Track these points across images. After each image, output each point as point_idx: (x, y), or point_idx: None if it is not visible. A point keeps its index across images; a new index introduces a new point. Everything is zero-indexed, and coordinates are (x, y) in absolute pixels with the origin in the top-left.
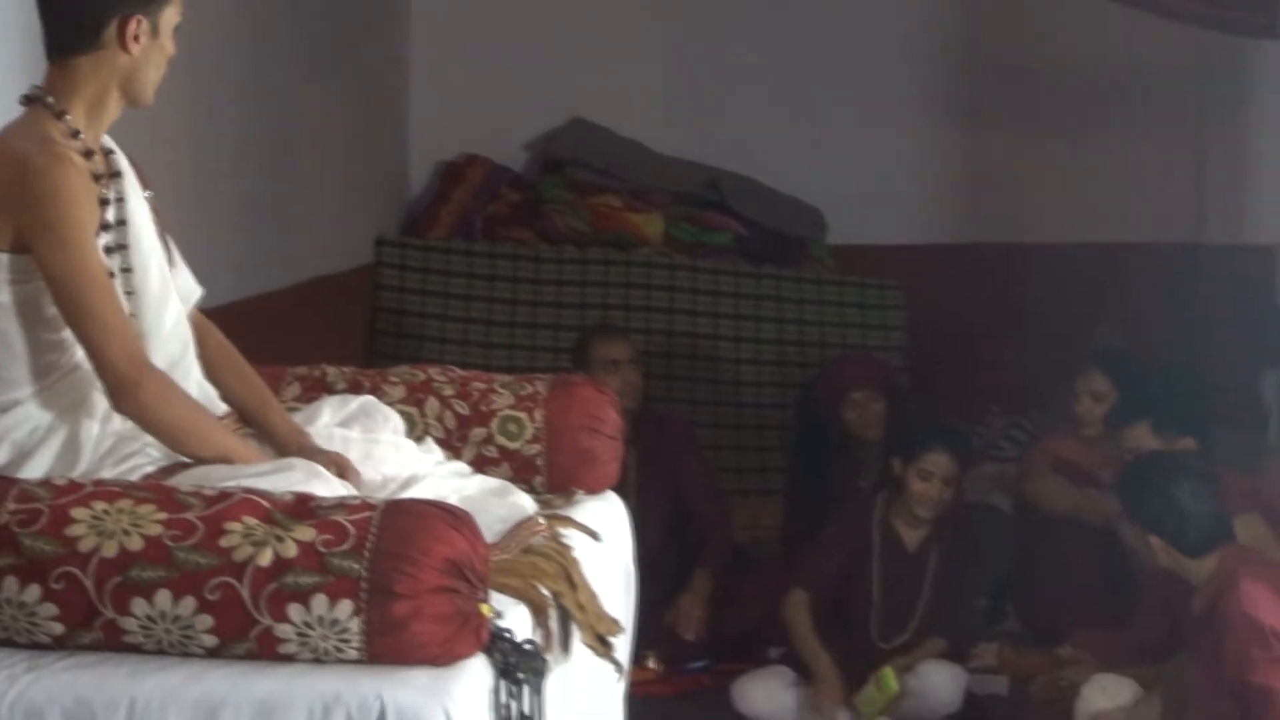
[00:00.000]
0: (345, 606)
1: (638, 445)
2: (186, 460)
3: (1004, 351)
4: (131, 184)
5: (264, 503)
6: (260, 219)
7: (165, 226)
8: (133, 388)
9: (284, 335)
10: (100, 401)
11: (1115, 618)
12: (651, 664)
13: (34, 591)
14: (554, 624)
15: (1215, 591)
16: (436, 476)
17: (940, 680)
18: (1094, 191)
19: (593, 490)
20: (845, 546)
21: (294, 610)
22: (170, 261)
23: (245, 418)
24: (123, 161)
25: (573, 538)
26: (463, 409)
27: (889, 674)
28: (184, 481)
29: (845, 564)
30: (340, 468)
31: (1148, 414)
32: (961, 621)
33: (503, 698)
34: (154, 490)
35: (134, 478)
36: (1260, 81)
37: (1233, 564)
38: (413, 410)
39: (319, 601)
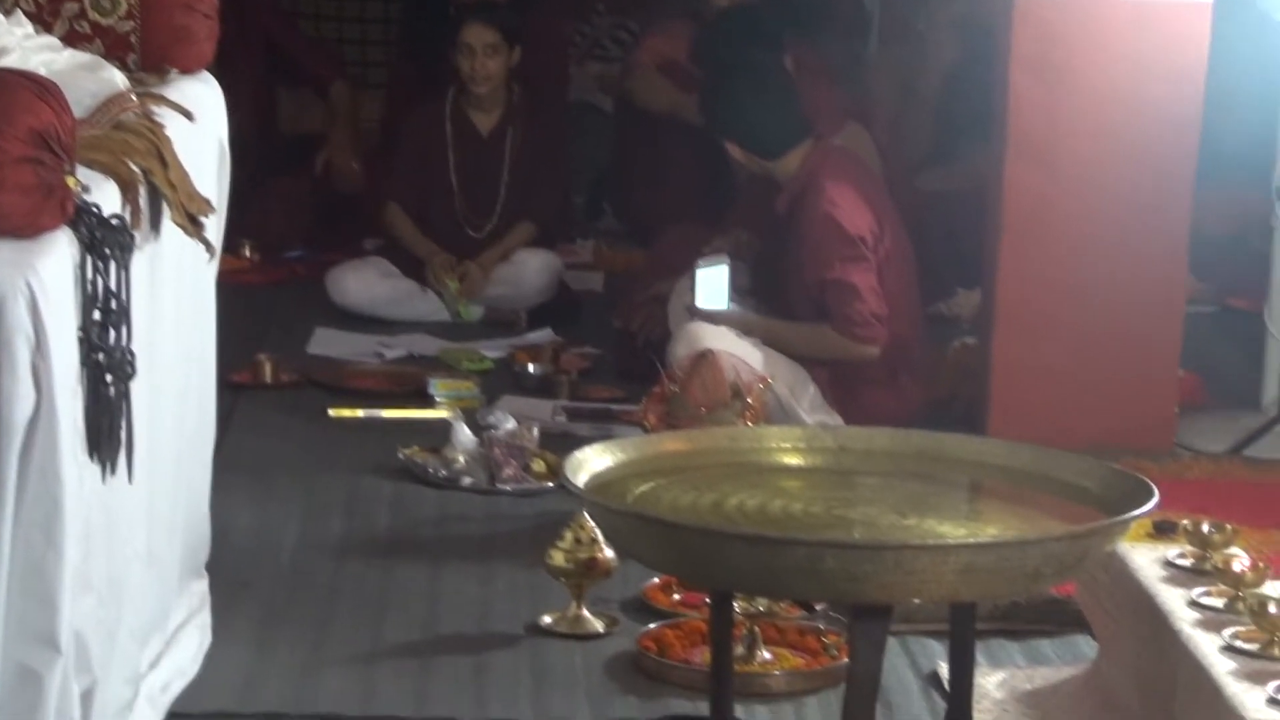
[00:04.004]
0: None
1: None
2: None
3: None
4: None
5: None
6: None
7: None
8: None
9: None
10: None
11: (712, 217)
12: (247, 252)
13: None
14: (143, 201)
15: (798, 191)
16: (25, 50)
17: (534, 267)
18: None
19: (187, 69)
20: (421, 143)
21: None
22: None
23: None
24: None
25: (165, 116)
26: None
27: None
28: None
29: (424, 160)
30: None
31: None
32: (549, 205)
33: (88, 273)
34: None
35: None
36: None
37: (817, 163)
38: None
39: None
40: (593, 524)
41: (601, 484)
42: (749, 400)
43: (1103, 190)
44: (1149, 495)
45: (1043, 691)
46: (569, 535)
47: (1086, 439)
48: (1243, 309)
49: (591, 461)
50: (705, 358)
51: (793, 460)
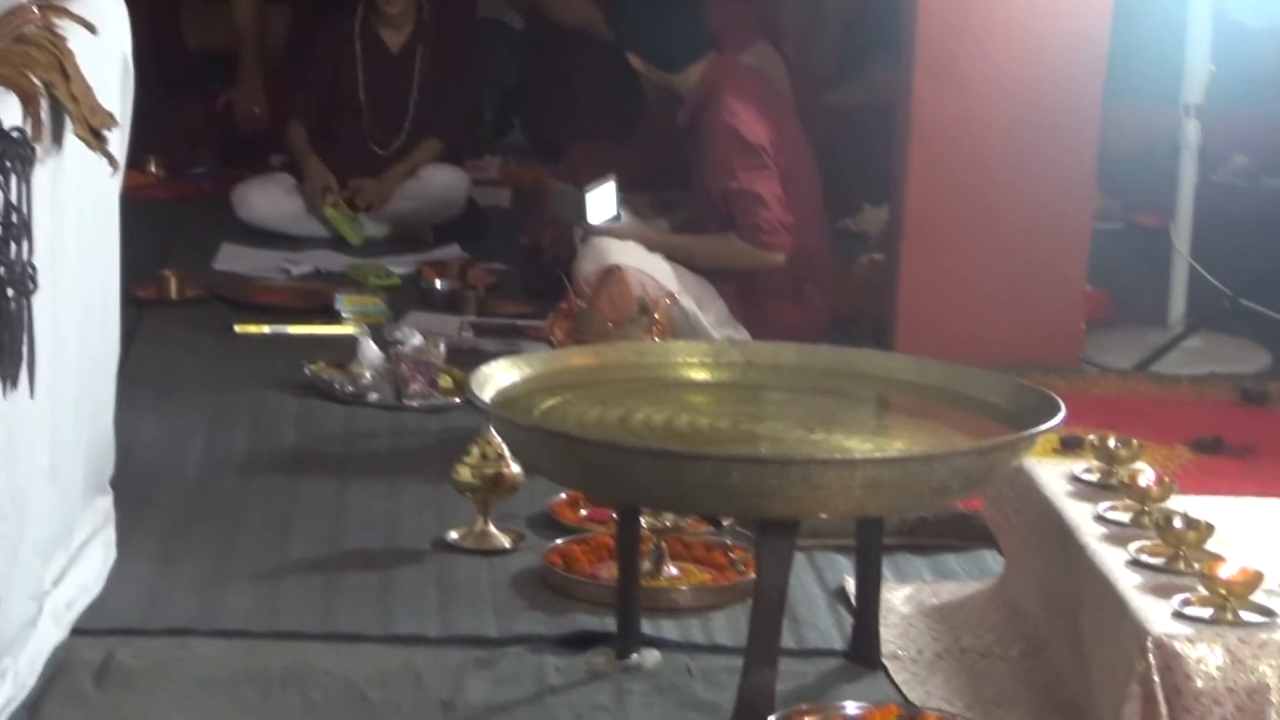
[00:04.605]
0: None
1: None
2: None
3: None
4: None
5: None
6: None
7: None
8: None
9: None
10: None
11: (621, 134)
12: (153, 168)
13: None
14: (45, 114)
15: (699, 103)
16: None
17: (441, 184)
18: None
19: None
20: (329, 61)
21: None
22: None
23: None
24: None
25: (67, 29)
26: None
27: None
28: None
29: (332, 78)
30: None
31: None
32: (456, 122)
33: None
34: None
35: None
36: None
37: (717, 76)
38: None
39: None
40: (499, 439)
41: (508, 399)
42: (656, 316)
43: (1011, 106)
44: (1055, 410)
45: (949, 606)
46: (475, 451)
47: (994, 355)
48: (1150, 226)
49: (498, 377)
50: (612, 273)
51: (700, 375)
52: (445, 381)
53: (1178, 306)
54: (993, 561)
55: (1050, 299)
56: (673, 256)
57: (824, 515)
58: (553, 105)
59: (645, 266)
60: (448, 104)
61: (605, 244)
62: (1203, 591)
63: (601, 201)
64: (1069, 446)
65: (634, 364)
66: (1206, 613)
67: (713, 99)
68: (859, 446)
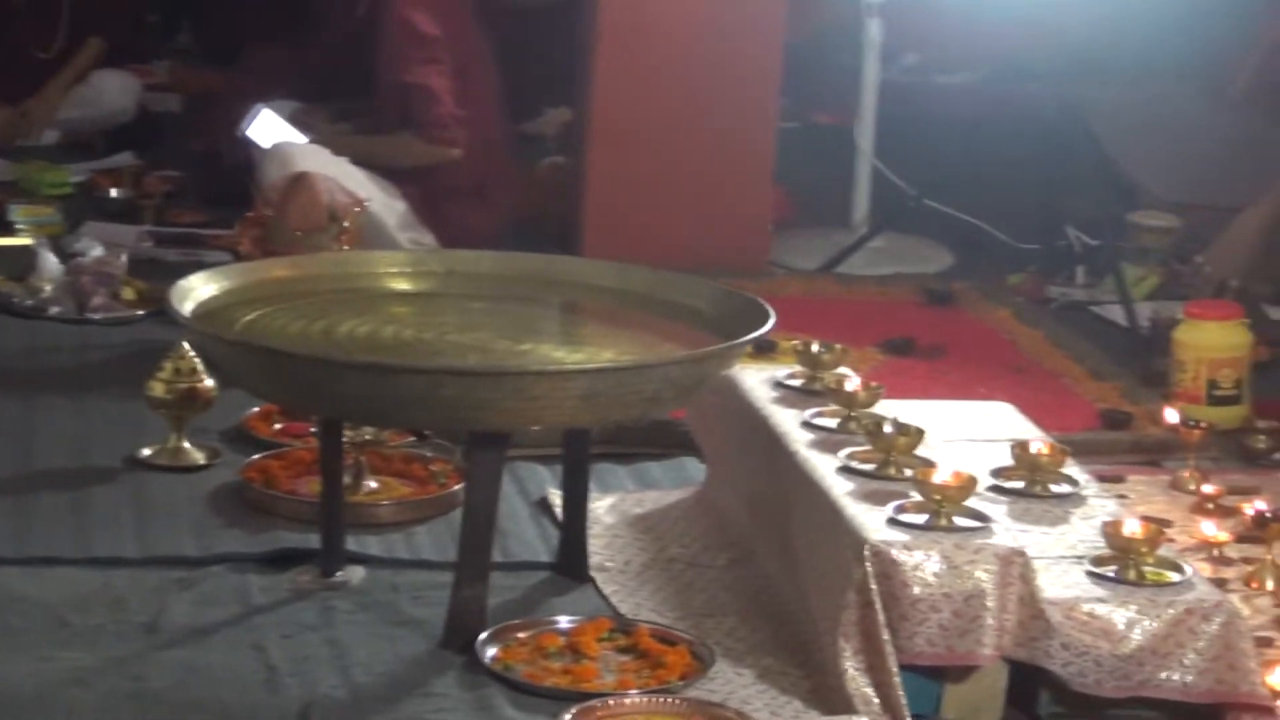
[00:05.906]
0: None
1: None
2: None
3: None
4: None
5: None
6: None
7: None
8: None
9: None
10: None
11: (295, 36)
12: None
13: None
14: None
15: None
16: None
17: (111, 89)
18: None
19: None
20: None
21: None
22: None
23: None
24: None
25: None
26: None
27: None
28: None
29: None
30: None
31: None
32: (119, 20)
33: None
34: None
35: None
36: None
37: None
38: None
39: None
40: (193, 353)
41: (208, 313)
42: (345, 224)
43: (695, 2)
44: (762, 315)
45: (654, 515)
46: (169, 366)
47: (681, 257)
48: (829, 124)
49: (197, 290)
50: (300, 180)
51: (401, 285)
52: (128, 293)
53: (861, 207)
54: (694, 468)
55: (737, 200)
56: (357, 158)
57: (536, 427)
58: (222, 4)
59: (332, 172)
60: (109, 1)
61: (290, 150)
62: (917, 497)
63: (270, 129)
64: (762, 350)
65: (334, 275)
66: (922, 519)
67: None
68: (569, 357)
